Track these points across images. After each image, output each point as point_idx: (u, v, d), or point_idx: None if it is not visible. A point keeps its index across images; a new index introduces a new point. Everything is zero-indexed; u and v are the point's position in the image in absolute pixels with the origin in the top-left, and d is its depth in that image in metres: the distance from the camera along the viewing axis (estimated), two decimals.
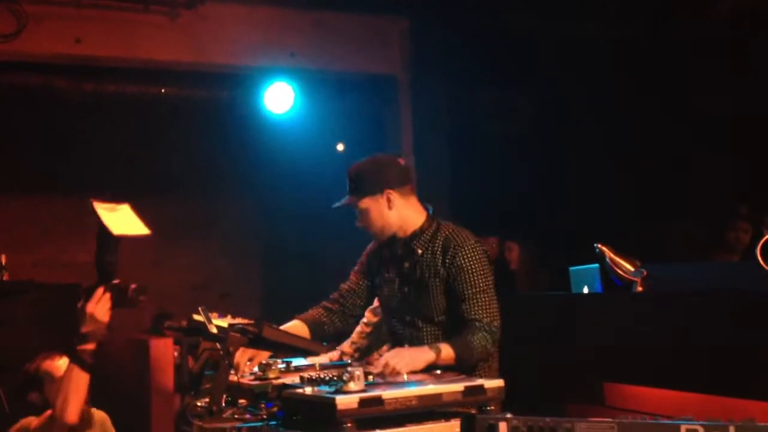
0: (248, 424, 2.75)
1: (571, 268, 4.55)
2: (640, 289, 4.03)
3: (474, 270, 3.24)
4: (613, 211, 5.18)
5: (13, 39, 5.86)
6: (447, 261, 3.27)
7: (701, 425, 1.96)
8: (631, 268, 4.08)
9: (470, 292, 3.23)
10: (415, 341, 3.29)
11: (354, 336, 4.28)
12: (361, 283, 3.59)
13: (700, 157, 5.04)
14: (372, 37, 6.98)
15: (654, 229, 4.70)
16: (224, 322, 3.21)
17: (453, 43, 6.51)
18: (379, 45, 7.00)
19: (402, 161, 3.51)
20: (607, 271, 4.19)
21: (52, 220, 7.31)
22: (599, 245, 4.18)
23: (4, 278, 5.97)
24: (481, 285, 3.23)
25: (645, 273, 4.02)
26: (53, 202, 7.30)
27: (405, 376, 2.87)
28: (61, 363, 3.59)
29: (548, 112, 5.83)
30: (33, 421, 3.58)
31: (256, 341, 3.03)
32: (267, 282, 8.26)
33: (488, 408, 2.68)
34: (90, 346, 3.04)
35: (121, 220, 3.17)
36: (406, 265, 3.38)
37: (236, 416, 2.86)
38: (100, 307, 2.97)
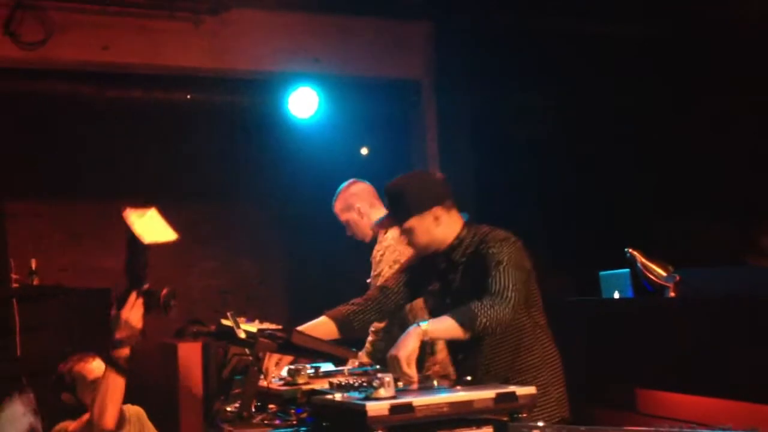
0: (278, 430, 2.73)
1: (602, 273, 4.50)
2: (672, 294, 3.98)
3: (502, 252, 3.16)
4: (639, 213, 5.13)
5: (39, 47, 5.89)
6: (482, 252, 3.22)
7: None
8: (664, 273, 4.02)
9: (493, 269, 3.13)
10: (468, 350, 3.25)
11: (367, 345, 4.27)
12: (402, 280, 3.55)
13: (730, 157, 4.97)
14: (396, 42, 6.96)
15: (683, 231, 4.65)
16: (252, 327, 3.20)
17: (477, 47, 6.48)
18: (403, 50, 6.98)
19: (441, 176, 3.48)
20: (639, 276, 4.13)
21: (79, 226, 7.35)
22: (630, 250, 4.13)
23: (34, 283, 6.01)
24: (504, 261, 3.13)
25: (677, 278, 3.97)
26: (80, 208, 7.34)
27: (435, 382, 2.85)
28: (95, 365, 3.61)
29: (573, 114, 5.78)
30: (70, 425, 3.60)
31: (285, 347, 3.02)
32: (291, 286, 8.26)
33: (520, 415, 2.64)
34: (125, 352, 3.05)
35: (150, 225, 3.18)
36: (451, 277, 3.35)
37: (266, 422, 2.85)
38: (133, 313, 2.98)
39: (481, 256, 3.22)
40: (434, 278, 3.42)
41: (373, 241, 4.47)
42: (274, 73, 6.72)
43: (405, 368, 2.89)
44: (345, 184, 4.55)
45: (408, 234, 3.33)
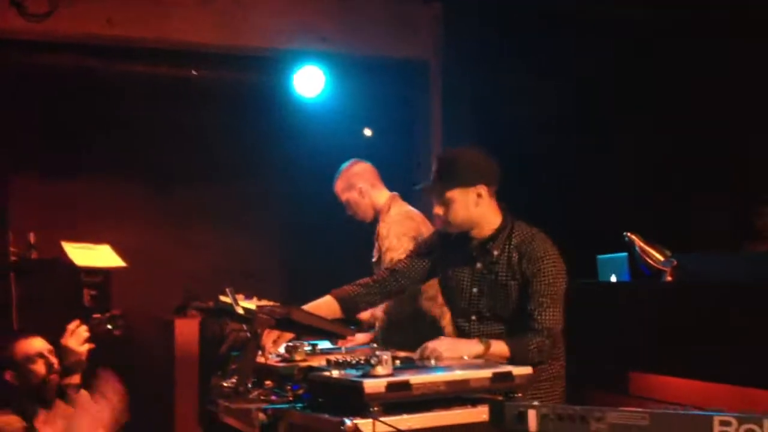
0: (274, 406, 2.75)
1: (599, 257, 4.51)
2: (669, 278, 3.99)
3: (548, 275, 3.20)
4: (639, 197, 5.13)
5: (44, 19, 5.86)
6: (524, 264, 3.23)
7: (734, 417, 1.93)
8: (661, 258, 4.03)
9: (540, 296, 3.18)
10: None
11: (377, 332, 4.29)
12: (418, 264, 3.54)
13: (732, 142, 4.96)
14: (404, 22, 6.93)
15: (681, 216, 4.65)
16: (251, 304, 3.23)
17: (485, 28, 6.45)
18: (411, 30, 6.95)
19: (496, 163, 3.41)
20: (636, 260, 4.14)
21: (80, 200, 7.35)
22: (628, 234, 4.14)
23: (33, 257, 6.01)
24: (552, 291, 3.19)
25: (675, 262, 3.98)
26: (81, 183, 7.34)
27: (433, 362, 2.87)
28: (36, 343, 3.57)
29: (579, 96, 5.77)
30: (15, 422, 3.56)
31: (284, 323, 3.04)
32: (291, 266, 8.27)
33: (516, 395, 2.66)
34: (75, 380, 3.08)
35: (94, 256, 3.24)
36: (479, 265, 3.34)
37: (262, 397, 2.87)
38: (73, 340, 3.02)
39: (528, 264, 3.22)
40: (460, 263, 3.40)
41: (374, 222, 4.49)
42: (281, 51, 6.70)
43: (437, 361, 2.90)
44: (347, 163, 4.57)
45: (447, 205, 3.29)
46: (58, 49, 6.22)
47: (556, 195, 5.69)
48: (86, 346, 3.04)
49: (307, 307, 3.39)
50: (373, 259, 4.43)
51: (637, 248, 4.09)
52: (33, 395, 3.44)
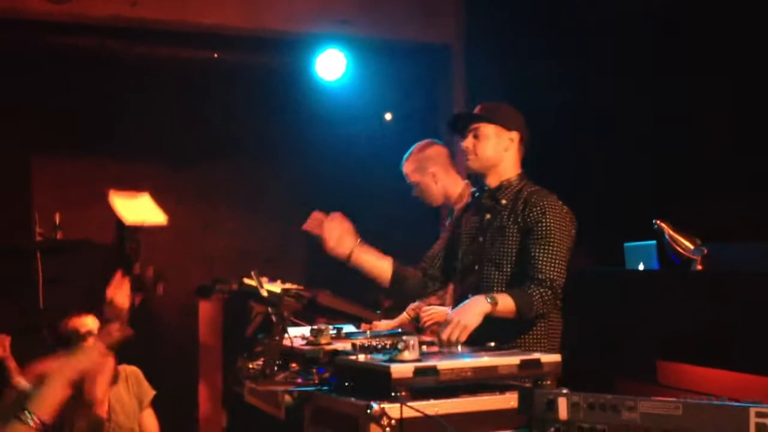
0: (300, 389, 2.74)
1: (627, 244, 4.47)
2: (699, 267, 3.94)
3: (551, 225, 3.20)
4: (669, 186, 5.06)
5: (67, 1, 5.87)
6: (527, 211, 3.24)
7: None
8: (691, 246, 3.98)
9: (542, 246, 3.17)
10: (482, 289, 3.23)
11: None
12: (442, 252, 3.60)
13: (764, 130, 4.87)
14: (426, 5, 6.88)
15: (713, 204, 4.59)
16: (275, 287, 3.22)
17: (508, 12, 6.38)
18: (433, 13, 6.90)
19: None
20: (666, 249, 4.09)
21: (104, 181, 7.36)
22: (658, 221, 4.09)
23: (58, 237, 6.05)
24: (554, 242, 3.18)
25: (705, 251, 3.93)
26: (105, 164, 7.36)
27: (459, 348, 2.85)
28: (88, 321, 3.62)
29: (606, 82, 5.69)
30: None
31: (310, 307, 3.03)
32: (312, 249, 8.26)
33: (544, 382, 2.64)
34: (113, 330, 3.09)
35: (138, 208, 3.22)
36: (488, 216, 3.37)
37: (288, 380, 2.87)
38: (120, 293, 3.02)
39: (531, 211, 3.23)
40: (471, 221, 3.44)
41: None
42: (303, 34, 6.67)
43: (457, 334, 2.91)
44: (420, 143, 4.35)
45: (478, 139, 3.35)
46: (82, 31, 6.21)
47: (582, 181, 5.63)
48: (128, 301, 3.06)
49: (369, 255, 3.47)
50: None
51: (666, 236, 4.03)
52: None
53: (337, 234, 3.40)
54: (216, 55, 6.71)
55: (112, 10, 6.06)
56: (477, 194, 3.48)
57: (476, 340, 2.98)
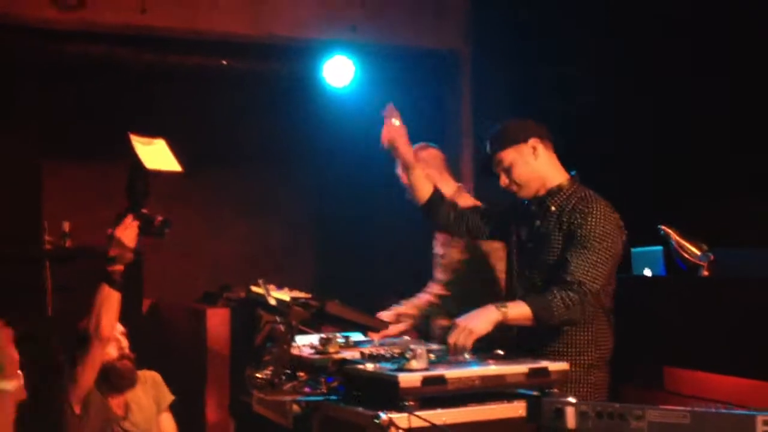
0: (308, 398, 2.75)
1: (633, 250, 4.45)
2: (706, 273, 3.93)
3: (590, 229, 3.12)
4: (676, 190, 5.06)
5: (77, 9, 5.89)
6: (572, 217, 3.18)
7: None
8: (698, 252, 3.97)
9: (577, 249, 3.10)
10: (528, 297, 3.16)
11: (420, 303, 4.25)
12: (485, 218, 3.61)
13: None
14: (434, 11, 6.89)
15: (719, 210, 4.57)
16: (283, 295, 3.23)
17: (516, 17, 6.38)
18: (441, 19, 6.91)
19: (544, 125, 3.45)
20: (672, 254, 4.08)
21: (113, 189, 7.39)
22: (664, 227, 4.07)
23: (67, 245, 6.07)
24: (590, 245, 3.09)
25: (712, 257, 3.92)
26: (114, 171, 7.38)
27: (467, 356, 2.85)
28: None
29: (612, 87, 5.69)
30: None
31: (319, 316, 3.04)
32: (320, 256, 8.28)
33: (551, 390, 2.64)
34: (118, 267, 3.14)
35: (156, 154, 3.26)
36: (537, 222, 3.31)
37: (296, 389, 2.87)
38: (128, 233, 3.09)
39: (574, 217, 3.18)
40: (523, 226, 3.39)
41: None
42: (311, 41, 6.68)
43: (463, 340, 2.87)
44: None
45: (509, 170, 3.31)
46: (91, 39, 6.24)
47: (589, 187, 5.63)
48: (135, 241, 3.11)
49: (419, 173, 3.61)
50: (440, 253, 4.34)
51: (672, 242, 4.02)
52: (101, 376, 3.48)
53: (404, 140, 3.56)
54: (225, 63, 6.73)
55: (122, 18, 6.08)
56: (526, 202, 3.41)
57: (513, 348, 2.99)
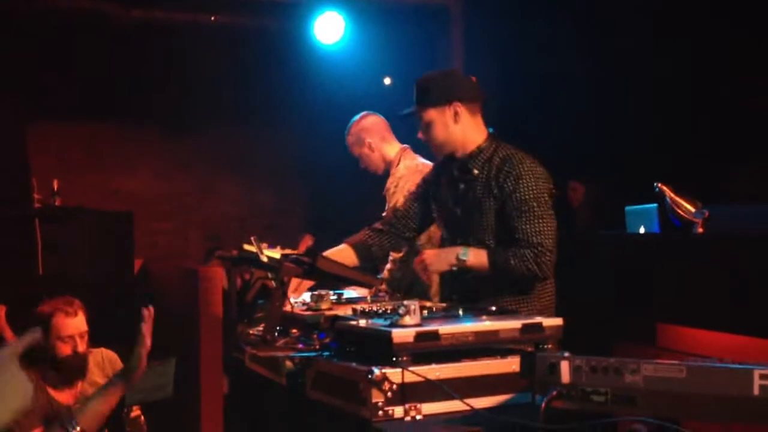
0: (301, 354, 2.74)
1: (627, 208, 4.45)
2: (700, 230, 3.93)
3: (528, 192, 3.14)
4: (673, 150, 5.04)
5: None
6: (501, 179, 3.18)
7: None
8: (692, 209, 3.96)
9: (521, 210, 3.13)
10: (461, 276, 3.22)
11: (384, 273, 4.27)
12: (413, 206, 3.56)
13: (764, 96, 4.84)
14: None
15: (717, 170, 4.57)
16: (275, 253, 3.21)
17: None
18: None
19: (474, 78, 3.40)
20: (667, 212, 4.07)
21: (101, 146, 7.34)
22: (659, 184, 4.06)
23: (56, 203, 6.02)
24: (532, 207, 3.13)
25: (706, 214, 3.91)
26: (103, 129, 7.33)
27: (460, 311, 2.83)
28: (77, 321, 3.55)
29: (605, 47, 5.64)
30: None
31: (310, 272, 3.01)
32: (310, 214, 8.26)
33: (545, 346, 2.62)
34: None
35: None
36: (462, 186, 3.31)
37: (289, 346, 2.86)
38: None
39: (505, 181, 3.17)
40: (446, 188, 3.38)
41: (386, 174, 4.45)
42: None
43: (426, 274, 3.11)
44: (356, 117, 4.51)
45: (427, 128, 3.30)
46: None
47: (580, 147, 5.61)
48: None
49: (330, 263, 3.36)
50: (383, 213, 4.37)
51: (667, 199, 4.01)
52: (52, 369, 3.50)
53: (293, 286, 3.35)
54: (213, 19, 6.65)
55: None
56: (446, 162, 3.39)
57: (465, 296, 3.09)
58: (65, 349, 3.52)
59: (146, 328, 3.19)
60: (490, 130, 3.34)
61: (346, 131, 4.51)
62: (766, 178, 4.26)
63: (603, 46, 5.77)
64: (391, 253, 4.11)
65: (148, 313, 3.24)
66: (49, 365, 3.52)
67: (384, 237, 3.56)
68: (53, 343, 3.52)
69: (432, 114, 3.26)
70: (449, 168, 3.36)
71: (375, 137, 4.41)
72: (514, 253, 3.11)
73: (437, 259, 3.15)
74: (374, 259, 3.73)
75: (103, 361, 3.74)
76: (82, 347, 3.55)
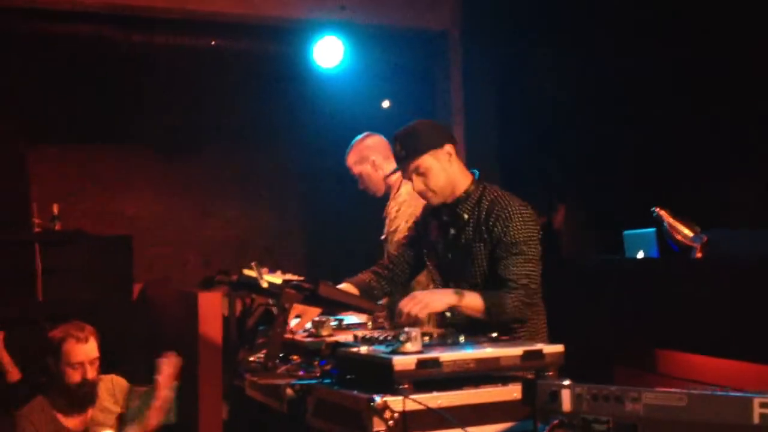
0: (302, 381, 2.73)
1: (626, 232, 4.45)
2: (699, 255, 3.93)
3: (517, 235, 3.14)
4: (669, 174, 5.05)
5: None
6: (491, 223, 3.17)
7: None
8: (691, 234, 3.97)
9: (511, 252, 3.13)
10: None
11: (384, 300, 4.26)
12: (407, 252, 3.54)
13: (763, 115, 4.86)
14: None
15: (712, 192, 4.58)
16: (275, 278, 3.20)
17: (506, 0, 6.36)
18: (431, 0, 6.88)
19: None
20: (665, 236, 4.08)
21: (101, 170, 7.35)
22: (657, 209, 4.07)
23: (56, 228, 6.03)
24: (522, 249, 3.13)
25: (705, 239, 3.92)
26: (104, 153, 7.34)
27: (461, 338, 2.83)
28: (87, 348, 3.56)
29: (603, 72, 5.67)
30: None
31: (311, 298, 3.01)
32: (309, 238, 8.27)
33: (546, 373, 2.63)
34: None
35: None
36: (452, 231, 3.29)
37: (290, 373, 2.86)
38: None
39: (495, 225, 3.17)
40: (437, 233, 3.37)
41: (385, 197, 4.45)
42: (300, 21, 6.64)
43: (417, 309, 2.97)
44: (359, 137, 4.51)
45: (425, 176, 3.23)
46: (78, 19, 6.18)
47: (579, 171, 5.62)
48: None
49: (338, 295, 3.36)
50: (382, 237, 4.37)
51: (665, 224, 4.02)
52: (60, 396, 3.52)
53: (295, 312, 3.30)
54: (213, 43, 6.68)
55: None
56: (435, 211, 3.37)
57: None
58: (75, 376, 3.52)
59: (163, 380, 3.18)
60: (474, 172, 3.34)
61: (348, 150, 4.51)
62: (765, 202, 4.27)
63: (601, 71, 5.79)
64: None
65: (167, 362, 3.22)
66: (58, 392, 3.52)
67: (383, 281, 3.55)
68: (63, 369, 3.52)
69: (428, 160, 3.21)
70: (438, 213, 3.35)
71: (379, 156, 4.40)
72: (508, 294, 3.11)
73: (434, 297, 3.09)
74: (376, 300, 3.72)
75: (114, 388, 3.73)
76: (91, 374, 3.55)
